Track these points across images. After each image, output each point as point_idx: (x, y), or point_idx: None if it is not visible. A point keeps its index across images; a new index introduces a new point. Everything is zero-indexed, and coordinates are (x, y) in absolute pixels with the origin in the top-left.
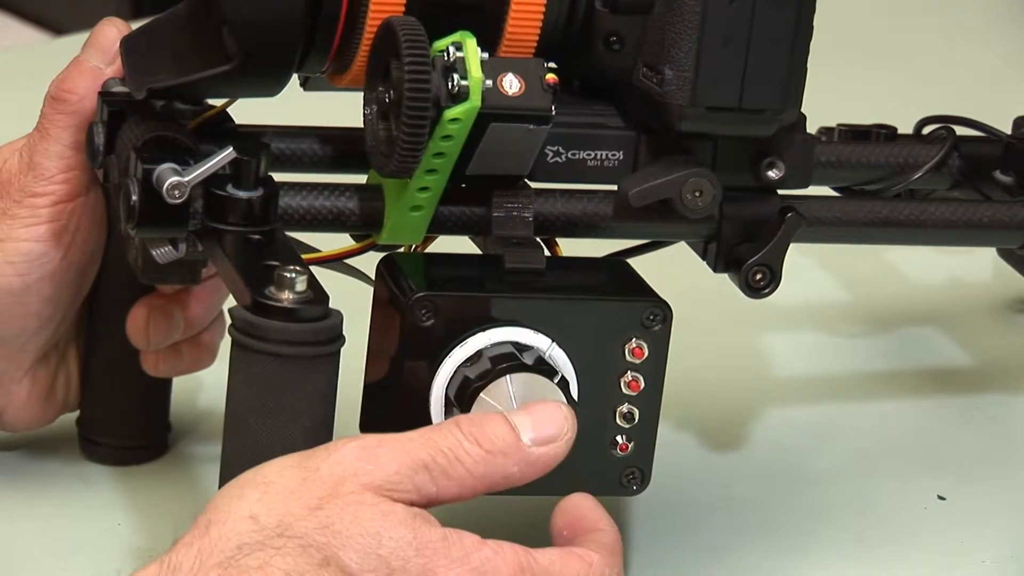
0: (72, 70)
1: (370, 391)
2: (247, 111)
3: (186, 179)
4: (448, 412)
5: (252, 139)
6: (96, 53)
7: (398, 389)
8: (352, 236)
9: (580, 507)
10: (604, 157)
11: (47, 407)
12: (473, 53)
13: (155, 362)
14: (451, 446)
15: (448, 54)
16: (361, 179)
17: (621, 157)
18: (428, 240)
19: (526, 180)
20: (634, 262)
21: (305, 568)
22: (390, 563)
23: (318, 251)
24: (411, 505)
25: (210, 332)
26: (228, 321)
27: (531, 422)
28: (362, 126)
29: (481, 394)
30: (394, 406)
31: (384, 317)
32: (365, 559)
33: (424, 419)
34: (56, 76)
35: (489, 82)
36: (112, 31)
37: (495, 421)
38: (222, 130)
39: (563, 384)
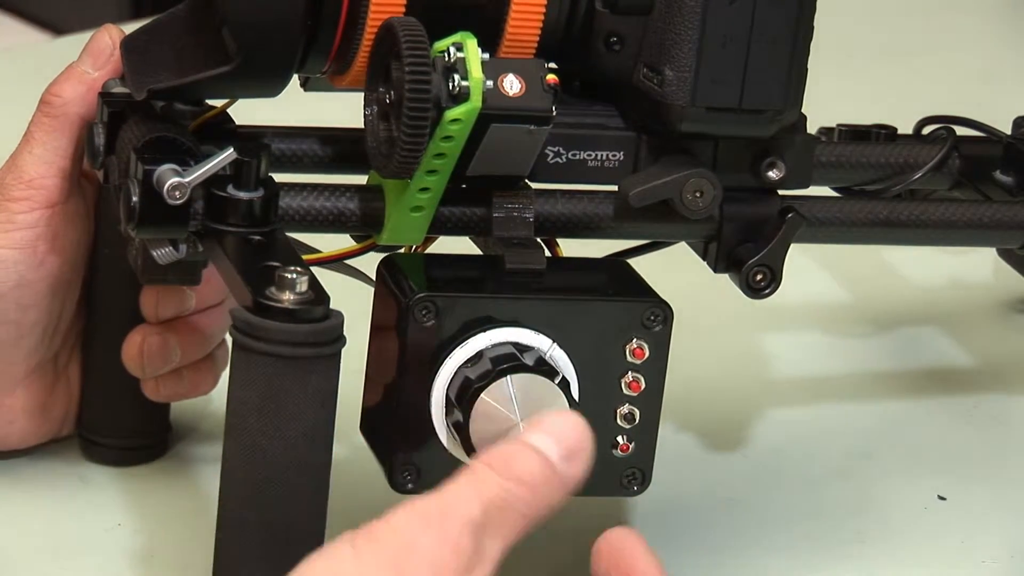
0: (61, 75)
1: (371, 392)
2: (248, 112)
3: (187, 180)
4: (449, 413)
5: (253, 140)
6: (86, 58)
7: (399, 390)
8: (352, 237)
9: (631, 549)
10: (605, 158)
11: (42, 423)
12: (474, 54)
13: (155, 387)
14: (498, 495)
15: (449, 55)
16: (362, 180)
17: (622, 158)
18: (428, 241)
19: (527, 181)
20: (634, 262)
21: None
22: None
23: (319, 252)
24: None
25: (210, 358)
26: (230, 342)
27: (552, 441)
28: (363, 127)
29: (482, 395)
30: (395, 407)
31: (385, 318)
32: None
33: (425, 420)
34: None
35: (490, 83)
36: (104, 37)
37: (524, 453)
38: (223, 131)
39: (564, 385)
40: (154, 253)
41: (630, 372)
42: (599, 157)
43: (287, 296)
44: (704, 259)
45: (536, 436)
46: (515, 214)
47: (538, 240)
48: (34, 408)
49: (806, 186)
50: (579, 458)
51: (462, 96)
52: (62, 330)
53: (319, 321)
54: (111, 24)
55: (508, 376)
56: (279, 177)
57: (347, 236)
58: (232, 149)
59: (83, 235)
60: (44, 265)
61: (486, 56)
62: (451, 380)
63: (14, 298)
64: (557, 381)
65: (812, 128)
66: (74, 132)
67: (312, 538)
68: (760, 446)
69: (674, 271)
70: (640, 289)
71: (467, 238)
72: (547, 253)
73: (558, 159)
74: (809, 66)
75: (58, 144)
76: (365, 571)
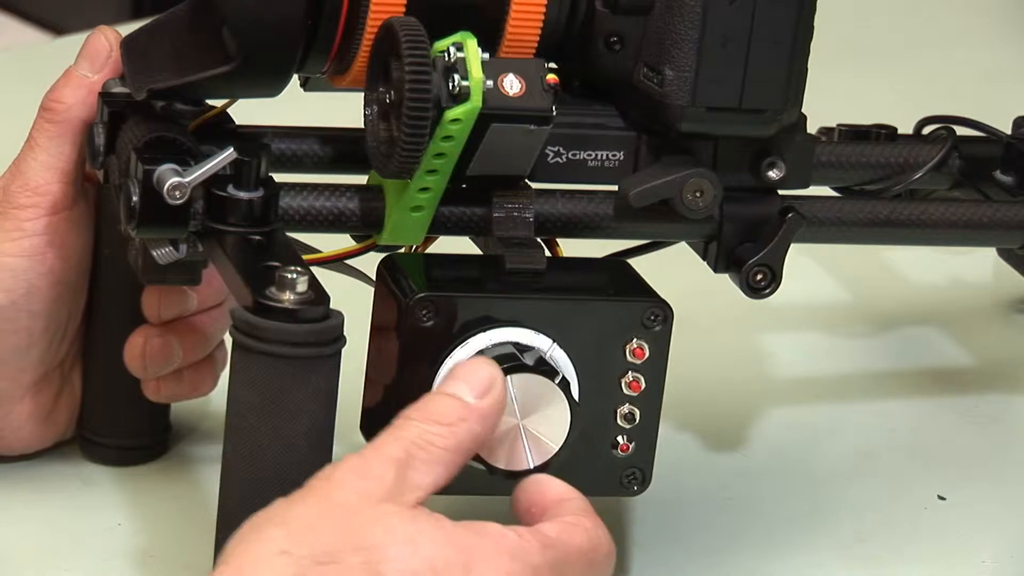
0: (61, 80)
1: (371, 392)
2: (247, 111)
3: (187, 180)
4: None
5: (253, 140)
6: (83, 62)
7: (399, 390)
8: (353, 237)
9: (541, 484)
10: (605, 157)
11: (47, 429)
12: (474, 53)
13: (156, 388)
14: (418, 435)
15: (449, 54)
16: (362, 180)
17: (622, 157)
18: (428, 241)
19: (527, 180)
20: (634, 262)
21: None
22: (434, 564)
23: (319, 252)
24: (422, 505)
25: (210, 359)
26: (229, 343)
27: (463, 384)
28: (363, 127)
29: None
30: (395, 407)
31: (385, 318)
32: (408, 564)
33: None
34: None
35: (490, 83)
36: (100, 39)
37: (437, 398)
38: (223, 131)
39: (564, 384)
40: (154, 253)
41: (630, 372)
42: (599, 157)
43: (287, 296)
44: (704, 259)
45: (448, 384)
46: (515, 214)
47: (538, 240)
48: (40, 415)
49: (806, 186)
50: (491, 392)
51: (462, 96)
52: (69, 336)
53: (319, 321)
54: (105, 26)
55: (508, 376)
56: (279, 177)
57: (347, 236)
58: (232, 149)
59: (89, 239)
60: (53, 272)
61: (486, 56)
62: None
63: (25, 306)
64: (557, 381)
65: (812, 128)
66: (77, 137)
67: None
68: (760, 446)
69: (674, 271)
70: (640, 289)
71: (467, 238)
72: (547, 253)
73: (558, 159)
74: (809, 66)
75: (62, 150)
76: (295, 508)
